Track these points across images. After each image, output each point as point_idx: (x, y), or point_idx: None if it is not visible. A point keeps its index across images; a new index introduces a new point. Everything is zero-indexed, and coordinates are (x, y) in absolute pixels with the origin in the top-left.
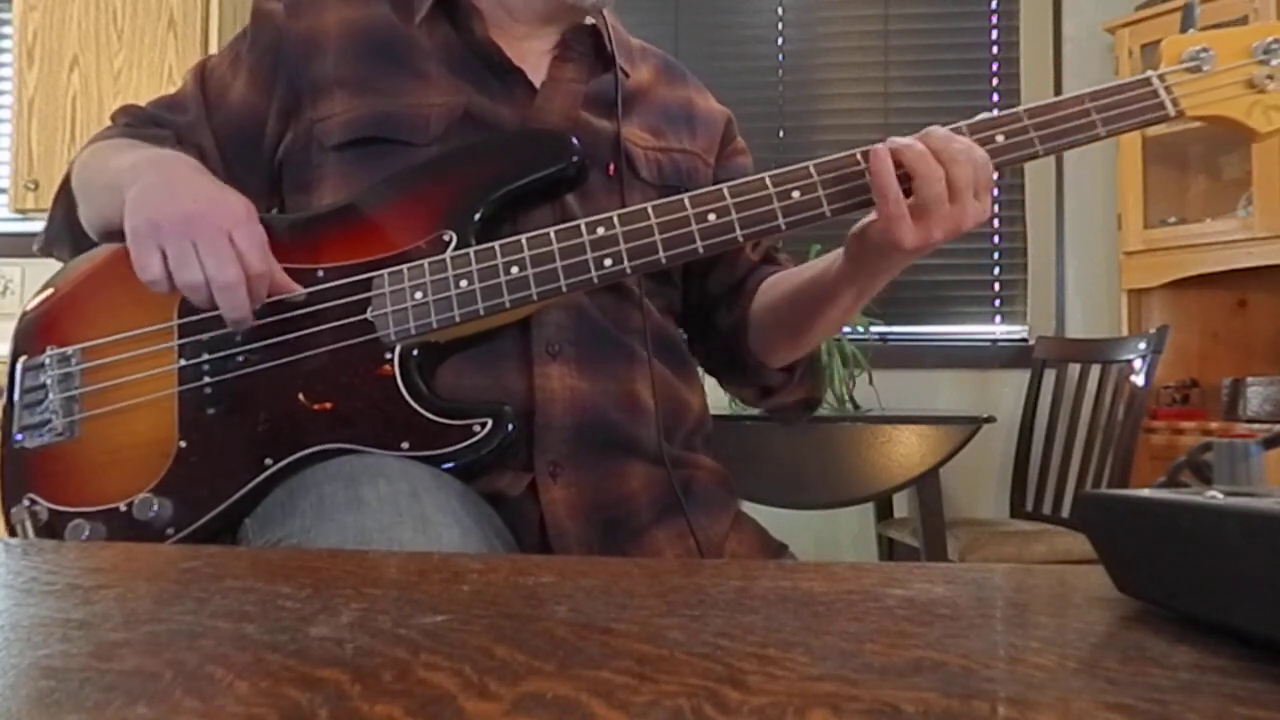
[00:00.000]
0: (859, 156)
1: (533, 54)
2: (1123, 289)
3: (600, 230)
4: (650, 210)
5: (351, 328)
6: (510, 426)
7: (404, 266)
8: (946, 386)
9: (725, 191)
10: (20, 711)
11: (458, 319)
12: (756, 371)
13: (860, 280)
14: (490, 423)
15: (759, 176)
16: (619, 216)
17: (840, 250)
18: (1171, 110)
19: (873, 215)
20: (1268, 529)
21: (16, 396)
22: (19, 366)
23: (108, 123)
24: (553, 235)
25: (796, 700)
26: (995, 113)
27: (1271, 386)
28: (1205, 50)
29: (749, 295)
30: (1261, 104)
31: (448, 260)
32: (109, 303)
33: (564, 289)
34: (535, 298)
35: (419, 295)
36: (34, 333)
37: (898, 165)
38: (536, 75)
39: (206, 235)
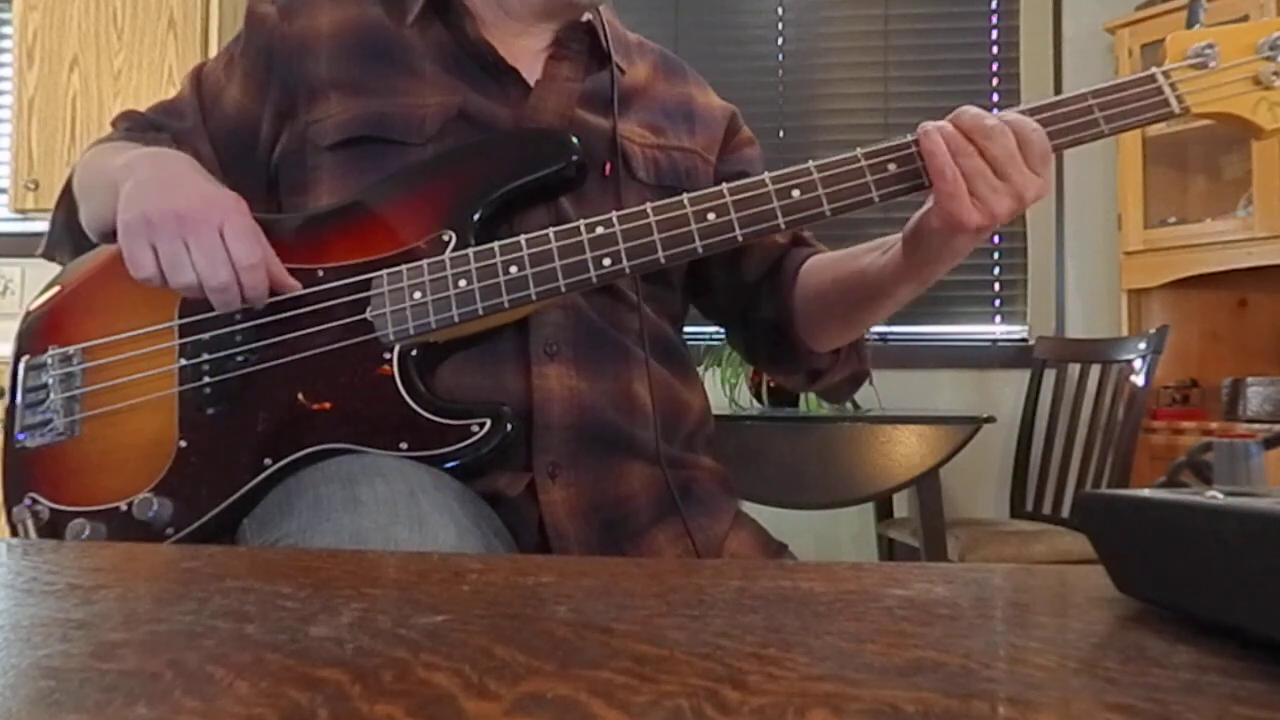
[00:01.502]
0: (859, 155)
1: (527, 52)
2: (1123, 289)
3: (599, 230)
4: (649, 210)
5: (350, 327)
6: (509, 427)
7: (403, 266)
8: (946, 386)
9: (725, 191)
10: (20, 711)
11: (456, 319)
12: (804, 357)
13: (921, 274)
14: (489, 423)
15: (759, 177)
16: (618, 216)
17: (891, 240)
18: (1176, 107)
19: (928, 205)
20: (1268, 529)
21: (18, 396)
22: (21, 366)
23: (108, 124)
24: (551, 235)
25: (796, 700)
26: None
27: (1271, 386)
28: (1210, 46)
29: (789, 281)
30: (1267, 100)
31: (446, 260)
32: (110, 302)
33: (563, 289)
34: (534, 298)
35: (418, 295)
36: (36, 333)
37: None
38: (531, 74)
39: (198, 233)
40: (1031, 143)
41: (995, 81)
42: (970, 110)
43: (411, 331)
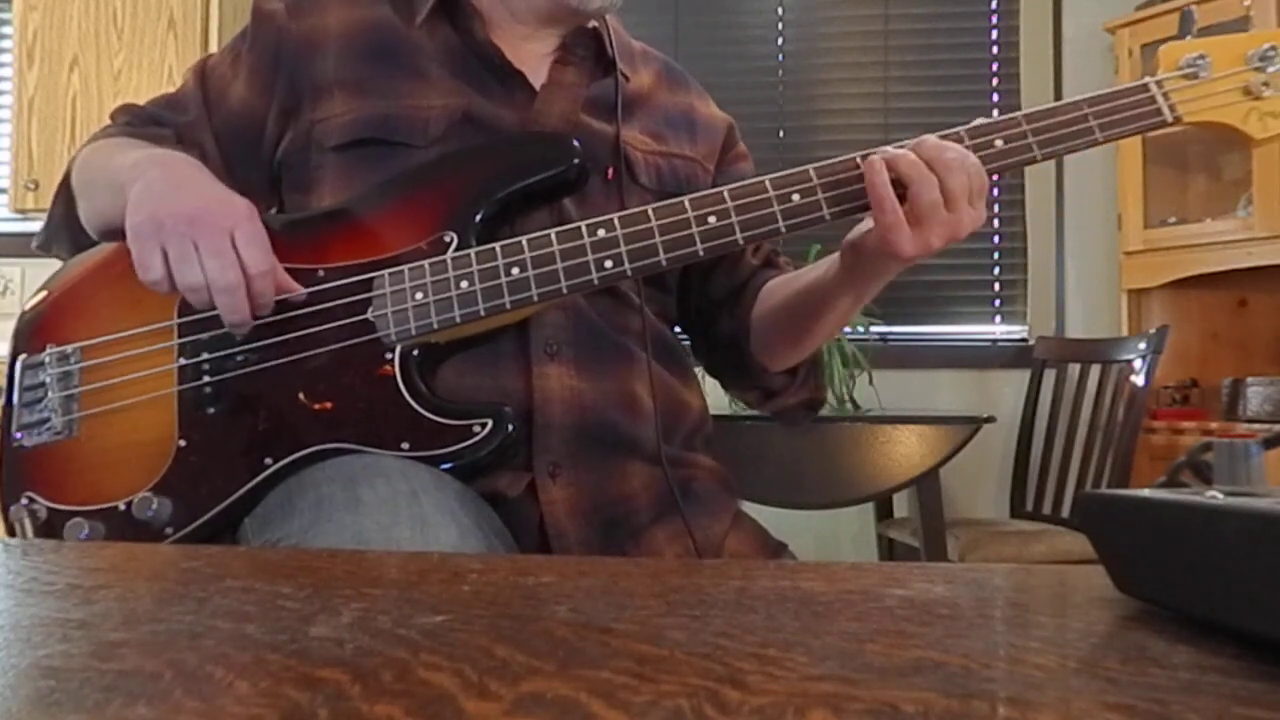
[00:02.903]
0: (858, 160)
1: (533, 57)
2: (1123, 289)
3: (601, 232)
4: (651, 212)
5: (352, 328)
6: (510, 427)
7: (405, 267)
8: (946, 386)
9: (725, 194)
10: (20, 711)
11: (458, 319)
12: (759, 375)
13: (857, 287)
14: (490, 423)
15: (759, 179)
16: (620, 218)
17: (836, 256)
18: (1169, 116)
19: (868, 224)
20: (1268, 529)
21: (15, 395)
22: (18, 365)
23: (107, 122)
24: (553, 236)
25: (796, 700)
26: (994, 118)
27: (1271, 386)
28: (1202, 57)
29: (750, 300)
30: (1258, 110)
31: (448, 261)
32: (109, 301)
33: (564, 290)
34: (536, 299)
35: (419, 296)
36: (33, 331)
37: (892, 174)
38: (537, 78)
39: (208, 236)
40: (975, 176)
41: (995, 81)
42: (931, 140)
43: (413, 332)
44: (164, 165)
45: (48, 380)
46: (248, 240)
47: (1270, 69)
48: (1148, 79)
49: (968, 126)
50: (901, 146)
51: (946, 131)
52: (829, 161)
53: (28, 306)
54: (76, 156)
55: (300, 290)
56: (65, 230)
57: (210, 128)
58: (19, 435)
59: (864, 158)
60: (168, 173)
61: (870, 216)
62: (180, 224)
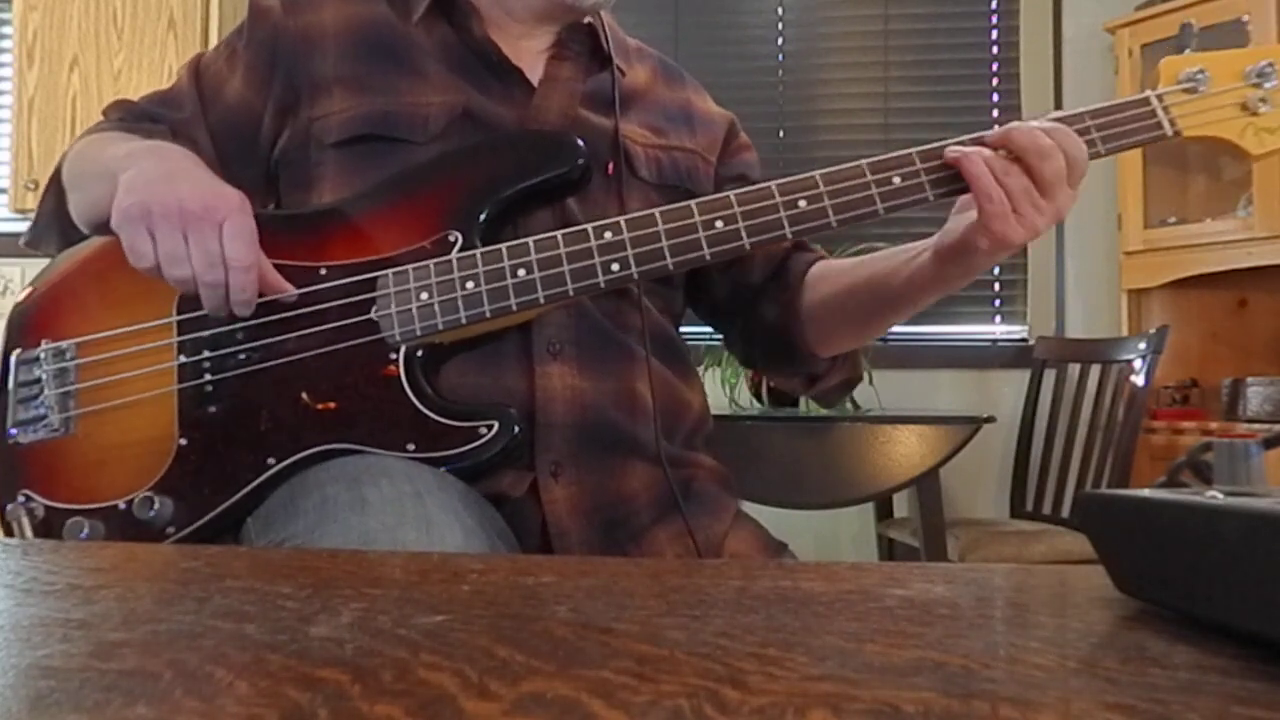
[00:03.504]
0: (864, 168)
1: (529, 53)
2: (1123, 289)
3: (608, 235)
4: (658, 216)
5: (355, 328)
6: (516, 429)
7: (409, 267)
8: (946, 386)
9: (733, 199)
10: (20, 711)
11: (464, 321)
12: (806, 361)
13: (950, 284)
14: (496, 425)
15: (765, 185)
16: (626, 221)
17: (913, 248)
18: (1169, 130)
19: (964, 219)
20: (1268, 529)
21: (10, 390)
22: (12, 360)
23: (101, 118)
24: (560, 239)
25: (796, 700)
26: (1000, 127)
27: (1271, 386)
28: (1201, 72)
29: (795, 285)
30: (1254, 126)
31: (453, 261)
32: (104, 296)
33: (571, 293)
34: (542, 301)
35: (424, 296)
36: (27, 326)
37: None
38: (533, 74)
39: (198, 228)
40: (1077, 162)
41: (995, 81)
42: (1023, 129)
43: (418, 333)
44: (158, 154)
45: (43, 376)
46: (234, 233)
47: (1267, 85)
48: (1149, 92)
49: (974, 136)
50: (982, 138)
51: (976, 135)
52: (836, 168)
53: (20, 299)
54: (69, 151)
55: (290, 290)
56: (55, 224)
57: (205, 124)
58: (14, 432)
59: (872, 164)
60: (161, 161)
61: (956, 212)
62: (171, 213)
